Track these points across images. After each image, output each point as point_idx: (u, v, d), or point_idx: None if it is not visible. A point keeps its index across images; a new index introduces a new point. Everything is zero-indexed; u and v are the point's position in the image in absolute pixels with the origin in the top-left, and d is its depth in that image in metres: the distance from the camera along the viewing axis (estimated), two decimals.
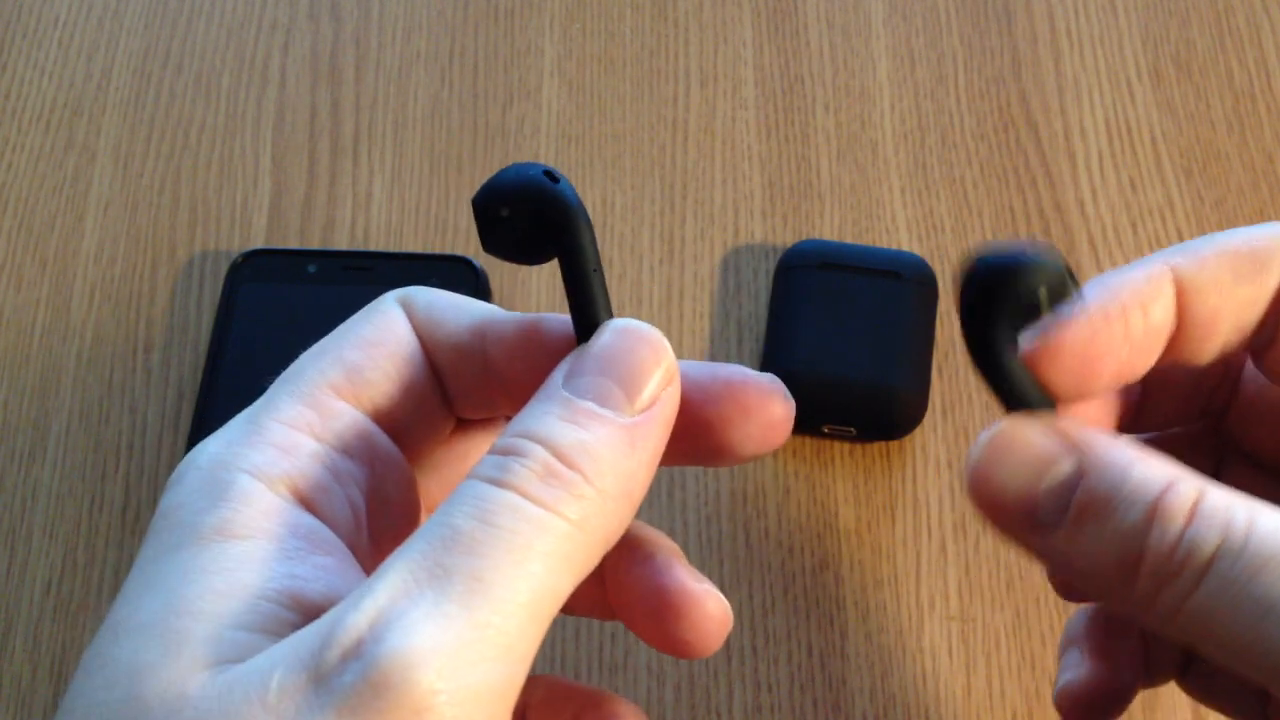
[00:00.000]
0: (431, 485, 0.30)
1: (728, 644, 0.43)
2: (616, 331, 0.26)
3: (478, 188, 0.26)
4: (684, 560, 0.28)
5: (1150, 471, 0.25)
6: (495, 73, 0.55)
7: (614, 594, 0.28)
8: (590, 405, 0.25)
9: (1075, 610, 0.34)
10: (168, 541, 0.24)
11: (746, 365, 0.48)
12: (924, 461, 0.46)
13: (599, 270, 0.27)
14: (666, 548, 0.28)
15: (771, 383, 0.28)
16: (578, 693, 0.30)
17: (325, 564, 0.24)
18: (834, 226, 0.51)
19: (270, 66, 0.55)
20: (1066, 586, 0.34)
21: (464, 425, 0.30)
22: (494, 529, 0.23)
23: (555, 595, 0.23)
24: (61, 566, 0.45)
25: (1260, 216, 0.51)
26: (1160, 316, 0.27)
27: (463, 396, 0.29)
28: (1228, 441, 0.30)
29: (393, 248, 0.50)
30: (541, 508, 0.23)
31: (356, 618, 0.21)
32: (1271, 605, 0.23)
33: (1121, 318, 0.27)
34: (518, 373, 0.27)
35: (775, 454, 0.46)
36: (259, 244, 0.50)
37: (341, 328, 0.28)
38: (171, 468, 0.46)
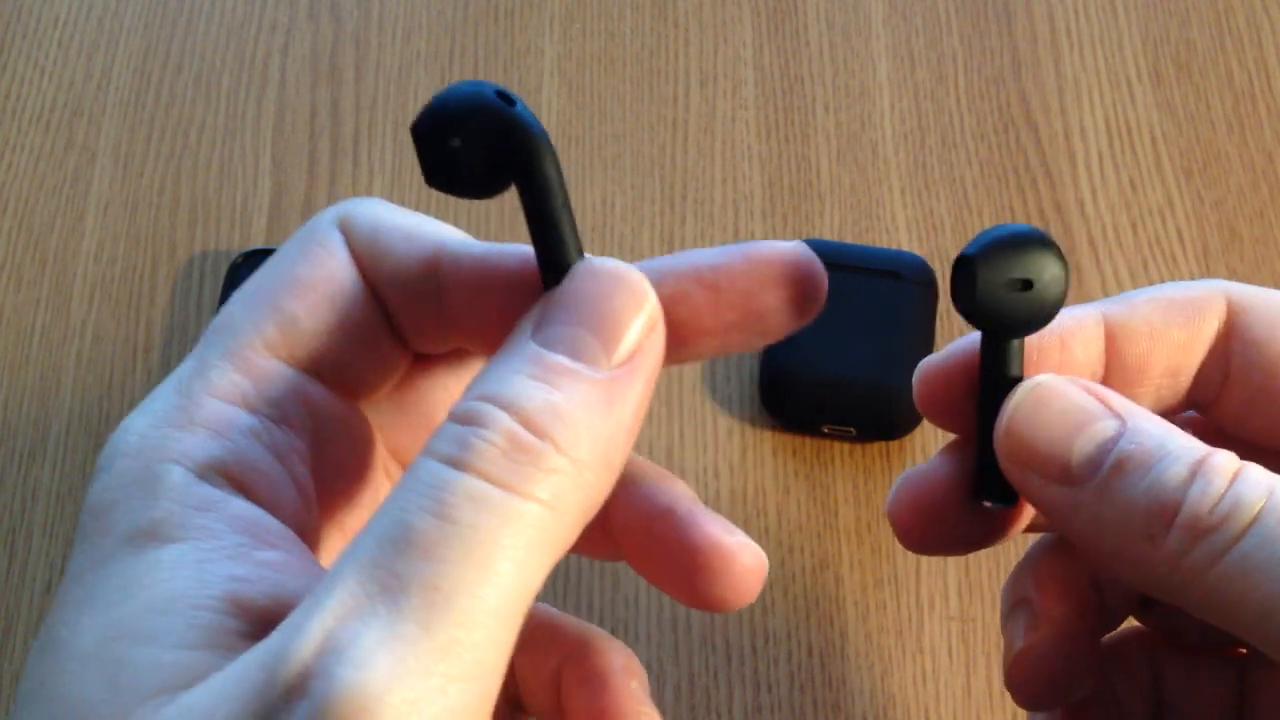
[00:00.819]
0: (393, 428, 0.28)
1: (728, 644, 0.43)
2: (590, 273, 0.23)
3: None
4: (704, 508, 0.25)
5: (1190, 440, 0.25)
6: (495, 73, 0.55)
7: (631, 550, 0.26)
8: (561, 359, 0.22)
9: (1013, 571, 0.31)
10: (101, 548, 0.22)
11: (746, 365, 0.48)
12: (924, 461, 0.46)
13: (567, 205, 0.23)
14: (685, 496, 0.25)
15: (799, 247, 0.25)
16: (563, 635, 0.27)
17: (270, 559, 0.22)
18: (834, 226, 0.51)
19: (270, 66, 0.55)
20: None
21: (425, 359, 0.27)
22: (452, 526, 0.20)
23: (528, 590, 0.21)
24: (61, 566, 0.45)
25: (1260, 217, 0.51)
26: (1083, 356, 0.28)
27: (415, 334, 0.26)
28: (1220, 430, 0.30)
29: None
30: (507, 491, 0.20)
31: (301, 645, 0.19)
32: None
33: (1038, 353, 0.27)
34: (475, 316, 0.25)
35: (775, 454, 0.46)
36: (259, 244, 0.50)
37: (275, 260, 0.25)
38: None
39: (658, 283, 0.24)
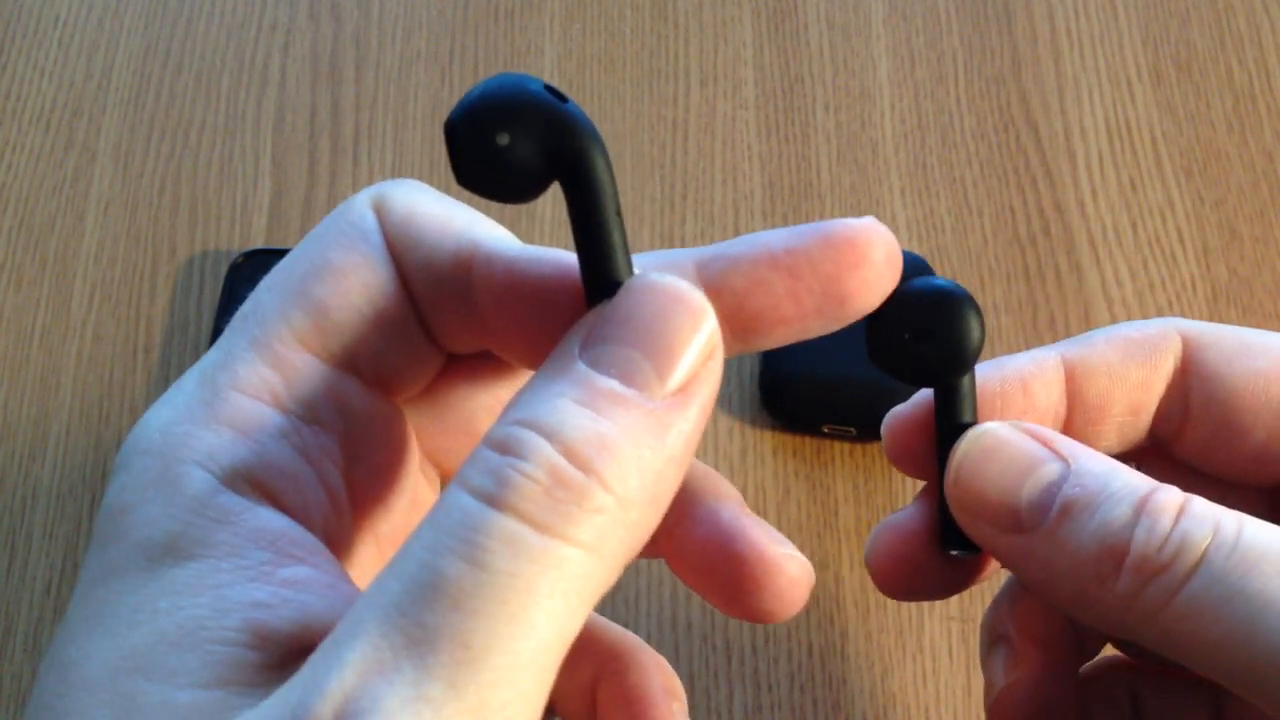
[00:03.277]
0: (428, 429, 0.26)
1: (728, 644, 0.43)
2: (646, 289, 0.21)
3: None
4: (751, 514, 0.24)
5: (1134, 478, 0.25)
6: (495, 72, 0.55)
7: (671, 552, 0.24)
8: (612, 384, 0.20)
9: (991, 605, 0.31)
10: (114, 559, 0.21)
11: (746, 365, 0.48)
12: None
13: (619, 212, 0.21)
14: (730, 498, 0.24)
15: (874, 223, 0.23)
16: (600, 644, 0.26)
17: (295, 576, 0.21)
18: None
19: (270, 66, 0.55)
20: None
21: (462, 358, 0.25)
22: (486, 574, 0.18)
23: (564, 641, 0.19)
24: (61, 566, 0.45)
25: (1260, 217, 0.51)
26: (1045, 399, 0.28)
27: (442, 331, 0.24)
28: (1182, 465, 0.30)
29: None
30: (546, 535, 0.19)
31: (320, 706, 0.18)
32: (1267, 601, 0.22)
33: (1001, 398, 0.27)
34: (504, 320, 0.23)
35: (775, 454, 0.46)
36: (259, 244, 0.50)
37: (307, 242, 0.23)
38: None
39: (733, 271, 0.22)
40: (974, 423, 0.26)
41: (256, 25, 0.56)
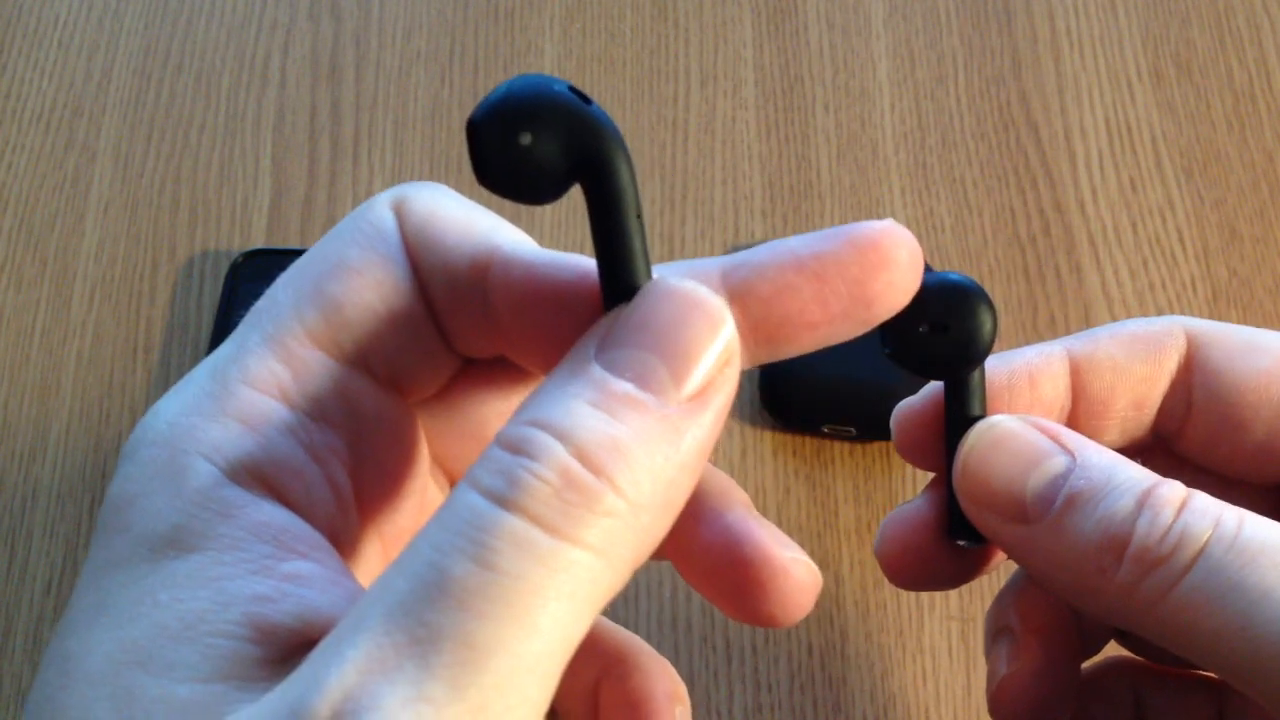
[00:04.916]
0: (439, 433, 0.26)
1: (728, 644, 0.43)
2: (664, 293, 0.21)
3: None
4: (758, 515, 0.24)
5: (1138, 472, 0.25)
6: (495, 73, 0.55)
7: (677, 554, 0.24)
8: (627, 387, 0.20)
9: (995, 598, 0.31)
10: (118, 550, 0.21)
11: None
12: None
13: (640, 217, 0.21)
14: (738, 501, 0.24)
15: (895, 225, 0.23)
16: (604, 645, 0.26)
17: (297, 571, 0.21)
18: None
19: (270, 66, 0.55)
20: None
21: (476, 363, 0.25)
22: (492, 574, 0.18)
23: (569, 645, 0.19)
24: (62, 566, 0.45)
25: (1260, 217, 0.51)
26: (1051, 392, 0.28)
27: (458, 334, 0.24)
28: (1184, 461, 0.30)
29: None
30: (556, 538, 0.18)
31: (319, 703, 0.17)
32: (1265, 593, 0.23)
33: (1009, 392, 0.28)
34: (521, 325, 0.23)
35: (775, 454, 0.46)
36: (259, 244, 0.50)
37: (325, 240, 0.23)
38: None
39: (758, 278, 0.22)
40: (983, 416, 0.27)
41: (256, 25, 0.56)
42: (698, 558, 0.23)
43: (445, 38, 0.56)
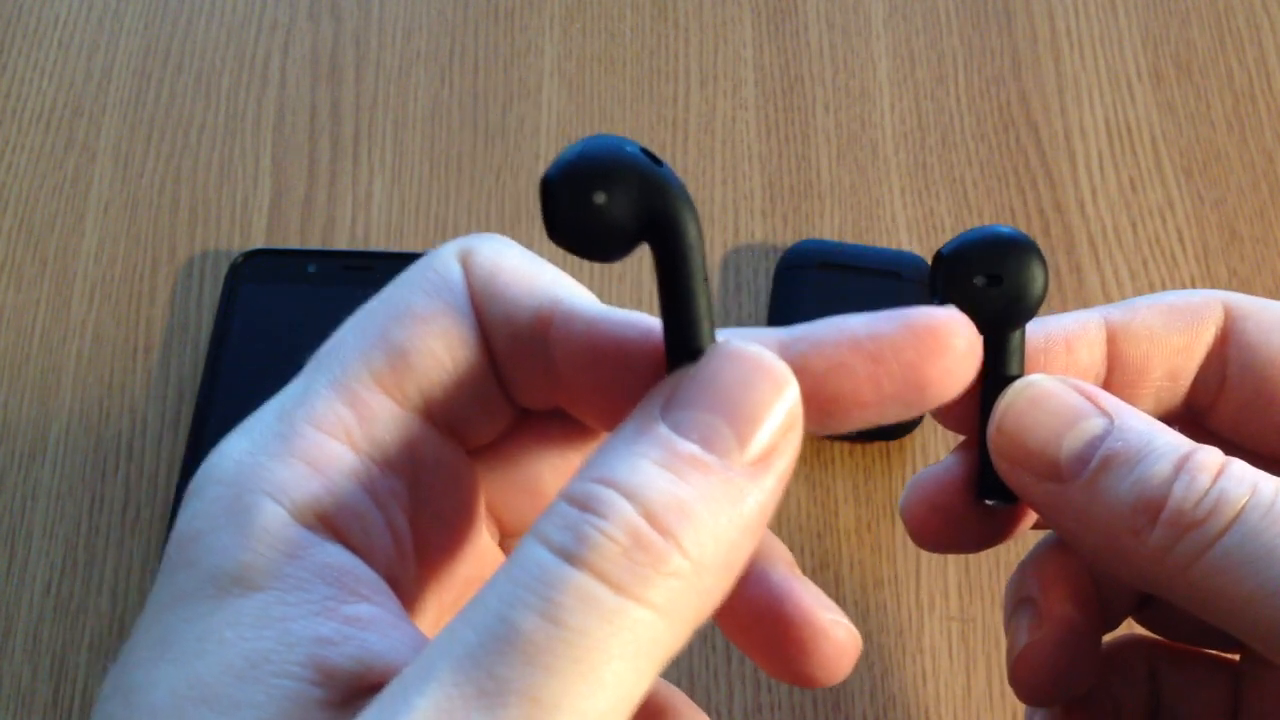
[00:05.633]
0: (493, 484, 0.26)
1: (728, 644, 0.43)
2: (730, 356, 0.21)
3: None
4: (800, 575, 0.24)
5: (1176, 437, 0.25)
6: (495, 73, 0.55)
7: (718, 611, 0.23)
8: (694, 449, 0.20)
9: (1017, 569, 0.31)
10: (184, 585, 0.21)
11: None
12: (924, 461, 0.46)
13: (706, 279, 0.22)
14: (781, 559, 0.24)
15: (955, 314, 0.23)
16: (645, 700, 0.26)
17: (358, 614, 0.21)
18: (834, 226, 0.51)
19: (270, 66, 0.55)
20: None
21: (534, 415, 0.26)
22: (559, 630, 0.18)
23: (631, 701, 0.19)
24: (61, 566, 0.45)
25: (1260, 217, 0.51)
26: (1087, 358, 0.28)
27: (517, 386, 0.24)
28: (1215, 436, 0.30)
29: (393, 248, 0.50)
30: (621, 596, 0.19)
31: None
32: None
33: (1045, 355, 0.28)
34: (581, 380, 0.23)
35: None
36: (259, 244, 0.50)
37: (392, 286, 0.24)
38: (172, 468, 0.46)
39: (815, 353, 0.23)
40: (1021, 375, 0.27)
41: (256, 25, 0.56)
42: (740, 615, 0.24)
43: (445, 38, 0.56)
